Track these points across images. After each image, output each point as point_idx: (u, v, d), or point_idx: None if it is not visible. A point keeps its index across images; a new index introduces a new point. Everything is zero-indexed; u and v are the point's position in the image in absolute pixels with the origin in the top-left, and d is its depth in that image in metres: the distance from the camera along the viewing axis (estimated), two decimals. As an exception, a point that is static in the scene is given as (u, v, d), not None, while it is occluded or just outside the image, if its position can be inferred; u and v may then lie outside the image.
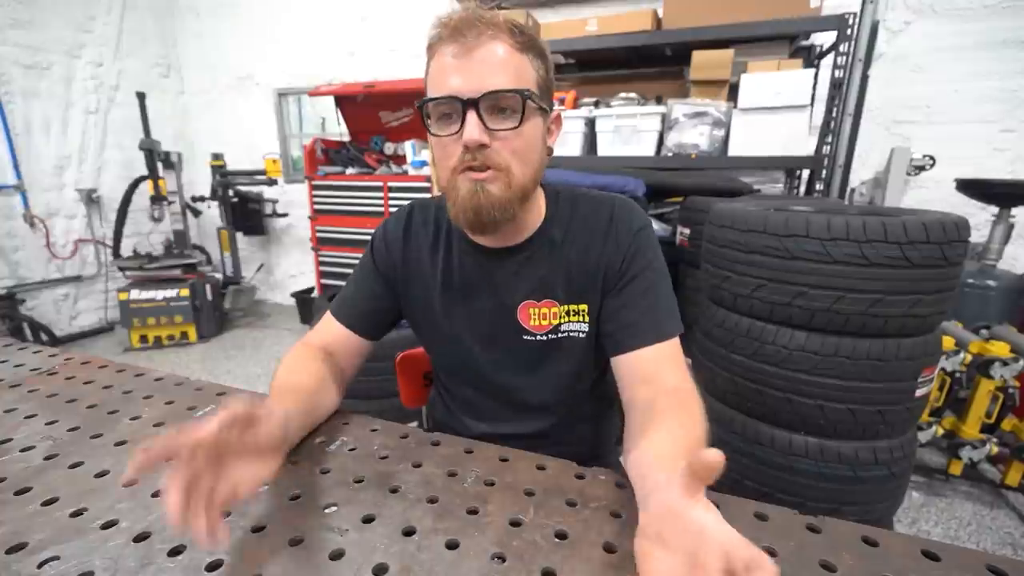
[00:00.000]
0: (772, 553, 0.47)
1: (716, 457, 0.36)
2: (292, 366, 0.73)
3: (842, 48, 2.21)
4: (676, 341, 0.71)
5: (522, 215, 0.72)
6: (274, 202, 4.23)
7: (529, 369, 0.79)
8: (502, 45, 0.62)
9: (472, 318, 0.78)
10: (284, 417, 0.57)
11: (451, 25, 0.62)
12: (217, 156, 3.90)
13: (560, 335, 0.76)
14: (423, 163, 3.25)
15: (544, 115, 0.69)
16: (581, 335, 0.76)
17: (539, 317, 0.76)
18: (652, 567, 0.39)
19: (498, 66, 0.62)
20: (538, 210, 0.76)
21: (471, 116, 0.61)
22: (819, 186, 2.35)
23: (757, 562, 0.33)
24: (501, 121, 0.63)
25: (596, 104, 2.66)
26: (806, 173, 2.56)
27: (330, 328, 0.82)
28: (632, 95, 2.63)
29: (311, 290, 4.04)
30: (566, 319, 0.76)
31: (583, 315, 0.76)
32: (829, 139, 2.33)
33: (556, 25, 2.69)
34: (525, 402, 0.81)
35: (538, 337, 0.77)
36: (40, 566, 0.45)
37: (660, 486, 0.43)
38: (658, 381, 0.67)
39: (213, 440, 0.44)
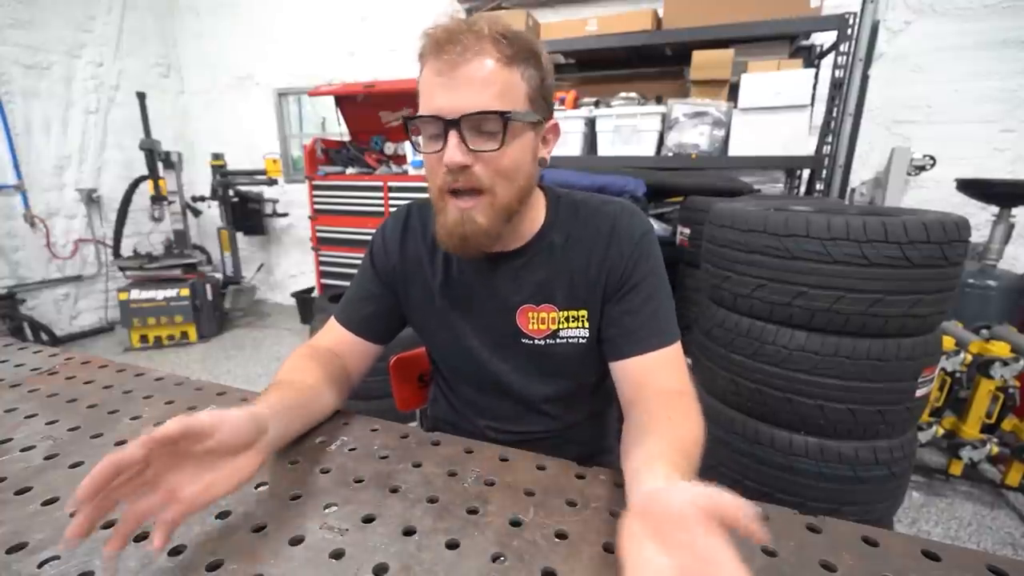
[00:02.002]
0: (772, 553, 0.47)
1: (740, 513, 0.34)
2: (292, 365, 0.73)
3: (842, 48, 2.21)
4: (676, 346, 0.71)
5: (519, 221, 0.72)
6: (274, 202, 4.23)
7: (529, 372, 0.79)
8: (488, 60, 0.59)
9: (473, 320, 0.79)
10: (258, 415, 0.54)
11: (435, 38, 0.60)
12: (217, 156, 3.90)
13: (559, 340, 0.76)
14: (423, 163, 3.24)
15: (536, 128, 0.67)
16: (581, 341, 0.76)
17: (538, 322, 0.76)
18: (637, 562, 0.37)
19: (481, 85, 0.59)
20: (537, 215, 0.76)
21: (452, 137, 0.61)
22: (819, 186, 2.35)
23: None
24: (484, 142, 0.62)
25: (596, 104, 2.66)
26: (806, 173, 2.56)
27: (335, 332, 0.82)
28: (632, 95, 2.63)
29: (311, 290, 4.03)
30: (565, 324, 0.76)
31: (582, 321, 0.75)
32: (829, 139, 2.33)
33: (556, 25, 2.68)
34: (527, 402, 0.81)
35: (536, 341, 0.76)
36: (40, 566, 0.45)
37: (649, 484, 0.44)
38: (657, 386, 0.67)
39: (139, 459, 0.42)
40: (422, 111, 0.63)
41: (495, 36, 0.60)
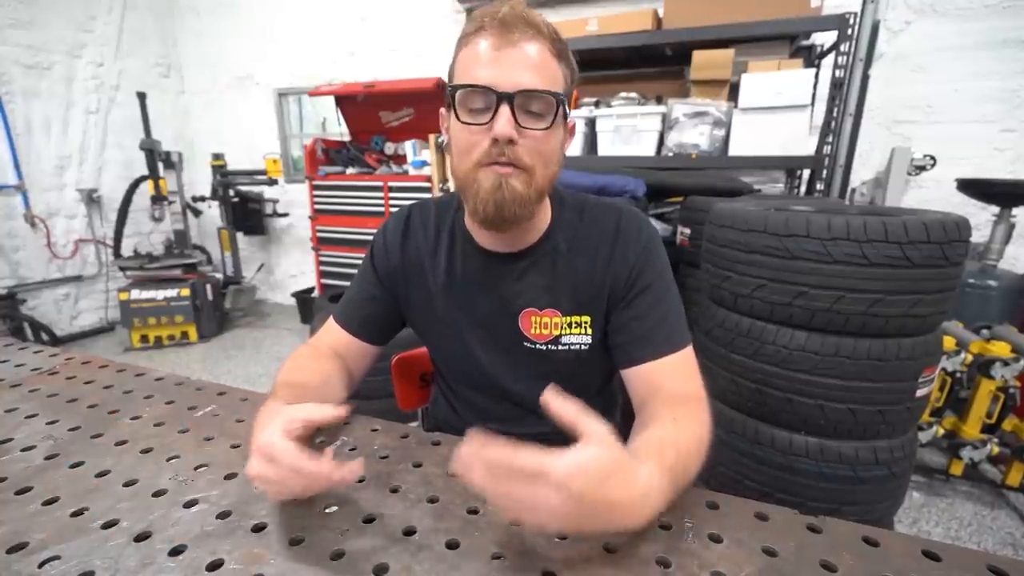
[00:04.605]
0: (772, 553, 0.47)
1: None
2: (295, 364, 0.73)
3: (843, 48, 2.21)
4: (688, 350, 0.71)
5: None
6: (274, 202, 4.23)
7: (530, 375, 0.78)
8: (542, 47, 0.63)
9: (474, 321, 0.78)
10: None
11: (498, 17, 0.62)
12: (217, 156, 3.90)
13: (560, 346, 0.76)
14: (423, 163, 3.24)
15: (565, 124, 0.69)
16: (583, 347, 0.75)
17: (540, 326, 0.75)
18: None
19: (536, 66, 0.62)
20: (543, 216, 0.75)
21: (504, 110, 0.61)
22: (819, 186, 2.35)
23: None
24: (531, 121, 0.63)
25: (596, 104, 2.66)
26: (806, 173, 2.55)
27: (333, 332, 0.82)
28: (632, 95, 2.63)
29: (311, 290, 4.04)
30: (567, 331, 0.75)
31: (586, 327, 0.75)
32: (829, 139, 2.33)
33: (556, 25, 2.66)
34: (528, 406, 0.81)
35: (538, 346, 0.76)
36: (41, 566, 0.45)
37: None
38: (668, 391, 0.66)
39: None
40: (469, 80, 0.62)
41: (550, 29, 0.64)
